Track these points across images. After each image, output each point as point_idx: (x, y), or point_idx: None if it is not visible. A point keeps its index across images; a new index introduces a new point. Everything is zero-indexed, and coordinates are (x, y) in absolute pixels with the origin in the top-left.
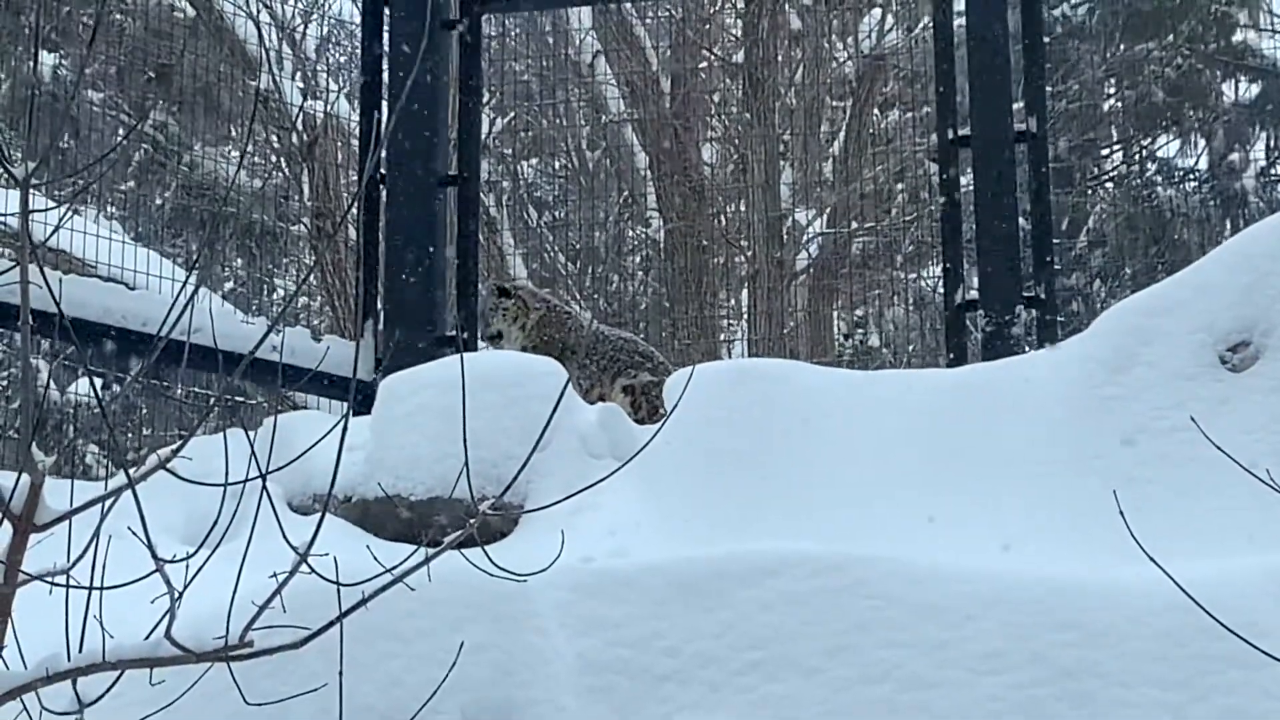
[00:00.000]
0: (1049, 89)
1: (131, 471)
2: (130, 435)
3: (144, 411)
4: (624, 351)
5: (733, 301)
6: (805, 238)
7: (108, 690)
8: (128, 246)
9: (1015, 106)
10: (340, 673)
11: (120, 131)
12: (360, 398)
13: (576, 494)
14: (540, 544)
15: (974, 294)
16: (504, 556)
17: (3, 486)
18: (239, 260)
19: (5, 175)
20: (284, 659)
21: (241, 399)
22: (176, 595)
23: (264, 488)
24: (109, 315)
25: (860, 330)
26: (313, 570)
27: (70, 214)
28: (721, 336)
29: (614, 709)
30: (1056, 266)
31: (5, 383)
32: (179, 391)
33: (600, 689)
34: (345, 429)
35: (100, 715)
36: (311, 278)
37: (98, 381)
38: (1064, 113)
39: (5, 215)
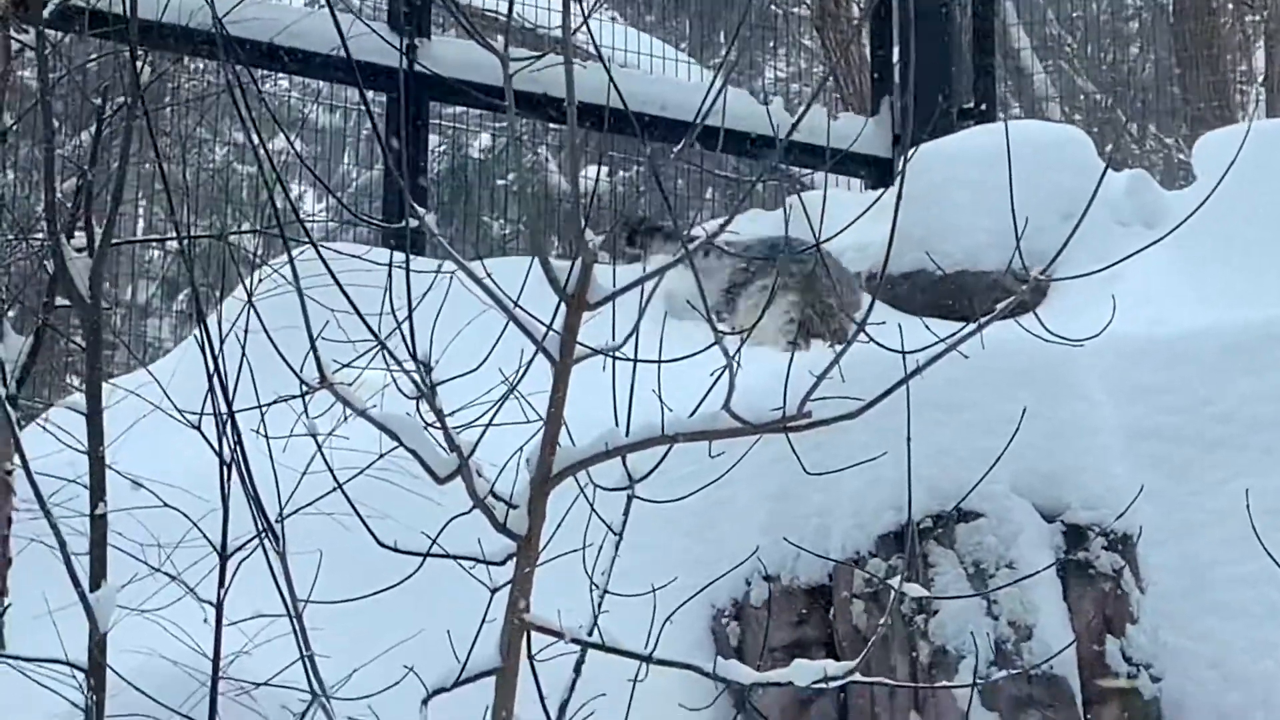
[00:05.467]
0: None
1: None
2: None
3: (644, 199)
4: None
5: (1245, 65)
6: None
7: (657, 465)
8: (630, 32)
9: None
10: (908, 440)
11: None
12: (876, 173)
13: (1115, 265)
14: (1073, 314)
15: None
16: (1038, 328)
17: (557, 267)
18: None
19: None
20: (830, 433)
21: (759, 178)
22: (737, 366)
23: (819, 256)
24: (628, 100)
25: None
26: (871, 339)
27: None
28: (1237, 100)
29: (1165, 476)
30: None
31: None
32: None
33: (1150, 456)
34: (899, 208)
35: (648, 490)
36: (816, 56)
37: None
38: None
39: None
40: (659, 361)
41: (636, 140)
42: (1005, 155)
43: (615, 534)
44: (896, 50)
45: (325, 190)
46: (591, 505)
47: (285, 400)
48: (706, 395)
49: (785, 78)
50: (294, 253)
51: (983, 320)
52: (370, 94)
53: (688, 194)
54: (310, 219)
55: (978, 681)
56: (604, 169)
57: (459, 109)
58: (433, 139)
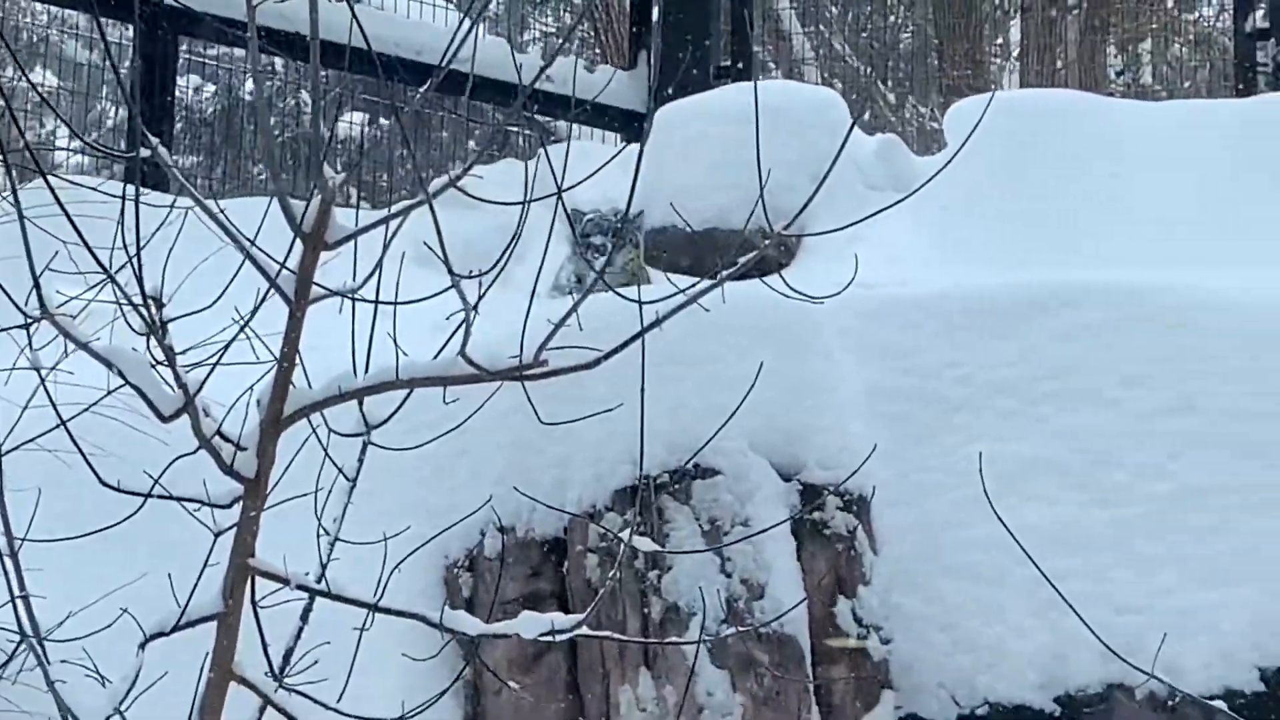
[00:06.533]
0: None
1: (430, 188)
2: (396, 169)
3: (406, 146)
4: None
5: (1000, 40)
6: None
7: (395, 411)
8: None
9: None
10: (642, 390)
11: None
12: (633, 127)
13: (857, 223)
14: (819, 273)
15: (1264, 23)
16: (781, 285)
17: (300, 207)
18: None
19: None
20: (569, 384)
21: (509, 129)
22: (473, 312)
23: (559, 204)
24: (381, 43)
25: (1133, 67)
26: (610, 288)
27: None
28: (992, 72)
29: (903, 437)
30: None
31: (281, 115)
32: (444, 123)
33: (888, 416)
34: (641, 159)
35: (386, 437)
36: (577, 6)
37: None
38: None
39: None
40: (395, 303)
41: (400, 86)
42: (757, 114)
43: (349, 480)
44: (657, 7)
45: (66, 123)
46: (325, 449)
47: (6, 330)
48: (447, 342)
49: (551, 32)
50: (25, 183)
51: (724, 274)
52: (123, 27)
53: (452, 144)
54: (44, 146)
55: (706, 638)
56: (365, 115)
57: (237, 50)
58: (202, 81)
